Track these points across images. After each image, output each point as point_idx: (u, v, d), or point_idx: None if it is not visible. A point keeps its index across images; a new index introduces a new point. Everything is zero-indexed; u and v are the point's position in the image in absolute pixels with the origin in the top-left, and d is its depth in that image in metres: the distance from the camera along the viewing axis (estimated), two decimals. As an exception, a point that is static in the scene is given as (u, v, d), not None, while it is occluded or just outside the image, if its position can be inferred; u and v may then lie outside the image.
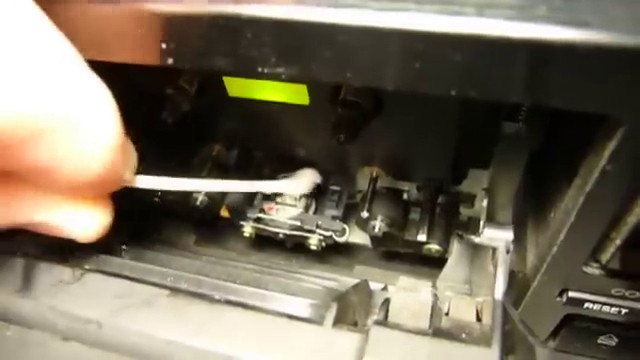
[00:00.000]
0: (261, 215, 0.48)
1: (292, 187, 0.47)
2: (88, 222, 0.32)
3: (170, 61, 0.26)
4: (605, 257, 0.28)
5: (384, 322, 0.35)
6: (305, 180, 0.47)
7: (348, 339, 0.32)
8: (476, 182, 0.47)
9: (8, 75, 0.22)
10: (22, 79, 0.23)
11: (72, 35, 0.26)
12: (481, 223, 0.41)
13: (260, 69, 0.24)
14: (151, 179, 0.33)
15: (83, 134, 0.25)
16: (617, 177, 0.23)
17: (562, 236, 0.28)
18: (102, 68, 0.27)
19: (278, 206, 0.49)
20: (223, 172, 0.49)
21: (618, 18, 0.19)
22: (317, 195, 0.50)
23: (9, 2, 0.22)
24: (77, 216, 0.32)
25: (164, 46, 0.25)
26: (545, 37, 0.19)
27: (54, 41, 0.24)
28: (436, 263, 0.47)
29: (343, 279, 0.48)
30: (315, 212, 0.50)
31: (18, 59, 0.23)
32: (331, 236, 0.48)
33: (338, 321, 0.34)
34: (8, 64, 0.22)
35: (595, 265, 0.30)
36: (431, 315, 0.35)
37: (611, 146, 0.22)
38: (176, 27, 0.24)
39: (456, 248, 0.44)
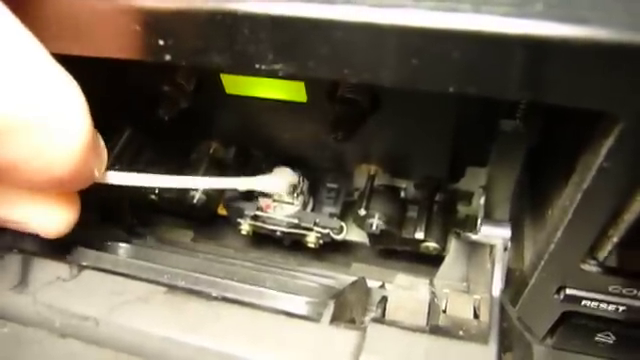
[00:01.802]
0: (258, 213, 0.48)
1: (267, 185, 0.46)
2: (53, 218, 0.31)
3: (167, 58, 0.26)
4: (602, 254, 0.28)
5: (381, 319, 0.35)
6: (281, 179, 0.47)
7: (346, 336, 0.32)
8: (474, 180, 0.47)
9: None
10: None
11: (70, 31, 0.26)
12: (478, 221, 0.41)
13: (257, 66, 0.24)
14: (122, 175, 0.32)
15: (50, 132, 0.24)
16: (614, 174, 0.23)
17: (559, 233, 0.28)
18: (99, 65, 0.27)
19: (275, 204, 0.49)
20: (220, 170, 0.49)
21: (615, 14, 0.19)
22: (314, 193, 0.50)
23: None
24: (41, 212, 0.31)
25: (161, 42, 0.25)
26: (542, 33, 0.19)
27: (17, 35, 0.23)
28: (433, 261, 0.47)
29: (340, 277, 0.48)
30: (313, 210, 0.50)
31: None
32: (329, 234, 0.48)
33: (335, 319, 0.34)
34: None
35: (592, 262, 0.30)
36: (428, 312, 0.35)
37: (608, 143, 0.22)
38: (173, 23, 0.24)
39: (453, 246, 0.44)
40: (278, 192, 0.47)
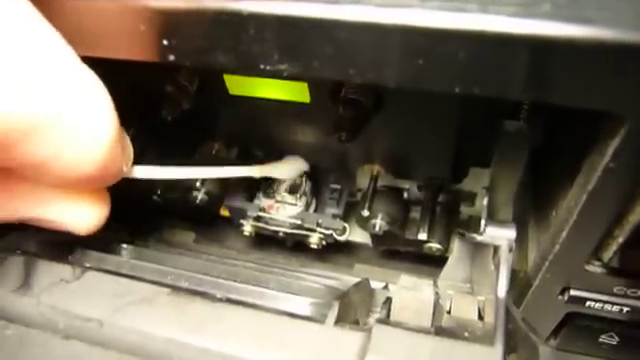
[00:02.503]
0: (261, 214, 0.48)
1: (278, 171, 0.46)
2: (85, 216, 0.32)
3: (171, 58, 0.26)
4: (607, 255, 0.28)
5: (386, 320, 0.35)
6: (292, 166, 0.47)
7: (350, 338, 0.32)
8: (477, 180, 0.47)
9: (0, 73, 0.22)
10: (14, 77, 0.22)
11: (73, 31, 0.26)
12: (482, 221, 0.41)
13: (262, 66, 0.24)
14: (148, 169, 0.33)
15: (78, 130, 0.25)
16: (620, 175, 0.23)
17: (564, 234, 0.28)
18: (103, 65, 0.27)
19: (278, 204, 0.48)
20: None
21: (622, 14, 0.19)
22: (317, 193, 0.50)
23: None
24: (74, 210, 0.31)
25: (165, 43, 0.25)
26: (549, 34, 0.19)
27: (46, 36, 0.24)
28: (437, 262, 0.47)
29: (344, 278, 0.48)
30: (315, 210, 0.50)
31: (9, 56, 0.22)
32: (331, 235, 0.47)
33: (340, 320, 0.34)
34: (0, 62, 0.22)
35: (597, 263, 0.30)
36: (433, 313, 0.35)
37: (614, 144, 0.22)
38: (178, 24, 0.24)
39: (457, 246, 0.44)
40: (291, 178, 0.47)
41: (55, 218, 0.31)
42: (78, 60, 0.25)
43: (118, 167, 0.29)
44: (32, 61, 0.23)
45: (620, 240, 0.27)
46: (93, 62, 0.26)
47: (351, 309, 0.36)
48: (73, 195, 0.31)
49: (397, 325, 0.33)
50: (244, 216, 0.49)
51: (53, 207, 0.31)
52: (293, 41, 0.23)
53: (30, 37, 0.23)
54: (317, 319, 0.35)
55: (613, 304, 0.32)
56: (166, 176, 0.34)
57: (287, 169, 0.46)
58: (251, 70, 0.24)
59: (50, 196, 0.31)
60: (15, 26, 0.23)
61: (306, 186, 0.48)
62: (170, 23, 0.25)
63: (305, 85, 0.37)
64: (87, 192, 0.31)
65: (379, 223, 0.45)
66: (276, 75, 0.24)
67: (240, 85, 0.39)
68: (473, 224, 0.47)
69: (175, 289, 0.37)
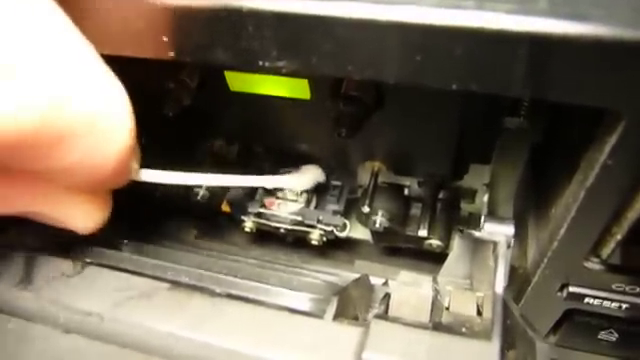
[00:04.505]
0: (262, 210, 0.48)
1: (294, 182, 0.46)
2: (89, 215, 0.32)
3: (171, 54, 0.26)
4: (606, 252, 0.28)
5: (384, 316, 0.35)
6: (308, 176, 0.47)
7: (349, 333, 0.32)
8: (477, 177, 0.47)
9: (32, 78, 0.22)
10: (56, 82, 0.22)
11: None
12: (482, 218, 0.41)
13: (261, 63, 0.24)
14: (155, 173, 0.33)
15: (103, 134, 0.25)
16: (618, 172, 0.23)
17: (563, 231, 0.28)
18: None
19: (279, 201, 0.49)
20: (224, 167, 0.49)
21: (618, 11, 0.19)
22: (318, 190, 0.50)
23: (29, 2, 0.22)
24: (79, 209, 0.32)
25: (165, 39, 0.25)
26: (545, 30, 0.19)
27: (74, 41, 0.24)
28: (437, 258, 0.47)
29: (344, 274, 0.48)
30: (316, 207, 0.50)
31: (41, 61, 0.22)
32: (332, 231, 0.48)
33: (339, 315, 0.34)
34: (31, 67, 0.22)
35: (596, 260, 0.30)
36: (431, 309, 0.35)
37: (612, 140, 0.22)
38: (177, 20, 0.24)
39: (457, 243, 0.44)
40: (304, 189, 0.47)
41: (58, 216, 0.32)
42: (104, 65, 0.25)
43: (130, 170, 0.29)
44: (69, 68, 0.23)
45: (618, 237, 0.27)
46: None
47: (350, 305, 0.36)
48: (78, 195, 0.31)
49: (395, 320, 0.33)
50: (245, 212, 0.49)
51: (57, 205, 0.31)
52: (292, 38, 0.23)
53: (61, 42, 0.23)
54: (316, 314, 0.35)
55: (612, 301, 0.32)
56: (174, 181, 0.34)
57: (301, 181, 0.47)
58: (250, 67, 0.25)
59: (55, 194, 0.31)
60: (47, 31, 0.23)
61: (307, 182, 0.48)
62: (170, 20, 0.25)
63: (305, 82, 0.37)
64: (92, 192, 0.31)
65: (379, 220, 0.45)
66: (275, 72, 0.25)
67: (241, 81, 0.39)
68: (473, 221, 0.47)
69: (175, 284, 0.37)
